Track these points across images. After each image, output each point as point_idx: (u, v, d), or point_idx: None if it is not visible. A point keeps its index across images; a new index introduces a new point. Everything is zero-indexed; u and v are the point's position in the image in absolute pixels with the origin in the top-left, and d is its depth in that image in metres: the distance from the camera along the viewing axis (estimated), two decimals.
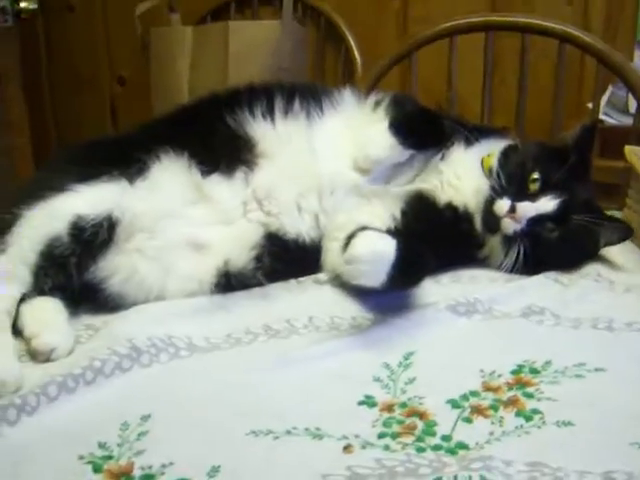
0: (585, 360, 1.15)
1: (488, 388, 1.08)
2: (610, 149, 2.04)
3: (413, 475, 0.89)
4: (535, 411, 1.02)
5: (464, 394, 1.06)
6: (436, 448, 0.95)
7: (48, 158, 3.36)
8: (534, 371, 1.13)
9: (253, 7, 3.48)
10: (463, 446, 0.95)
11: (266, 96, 1.53)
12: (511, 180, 1.48)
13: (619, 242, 1.54)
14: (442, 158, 1.56)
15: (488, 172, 1.52)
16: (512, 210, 1.44)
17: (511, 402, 1.05)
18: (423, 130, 1.54)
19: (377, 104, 1.58)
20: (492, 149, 1.57)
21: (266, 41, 3.12)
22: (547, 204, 1.45)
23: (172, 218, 1.42)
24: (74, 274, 1.33)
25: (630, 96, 2.46)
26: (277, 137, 1.50)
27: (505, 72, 2.81)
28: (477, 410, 1.03)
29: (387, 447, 0.95)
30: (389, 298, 1.33)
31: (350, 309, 1.34)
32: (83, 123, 3.88)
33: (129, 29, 3.49)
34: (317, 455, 0.94)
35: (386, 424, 1.00)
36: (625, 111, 2.73)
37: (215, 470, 0.90)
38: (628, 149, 1.69)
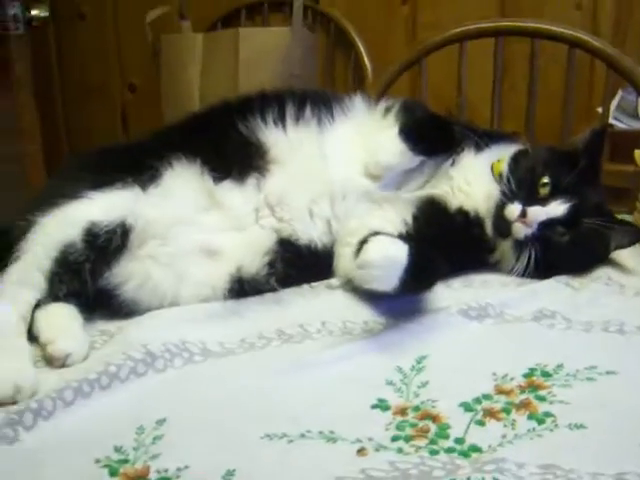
0: (596, 363, 1.15)
1: (500, 391, 1.09)
2: (620, 153, 2.05)
3: (427, 478, 0.90)
4: (547, 414, 1.03)
5: (477, 397, 1.07)
6: (449, 451, 0.95)
7: (59, 165, 3.37)
8: (546, 374, 1.13)
9: (263, 14, 3.49)
10: (476, 449, 0.95)
11: (277, 103, 1.54)
12: (521, 185, 1.49)
13: (630, 245, 1.55)
14: (452, 164, 1.57)
15: (498, 177, 1.53)
16: (523, 215, 1.45)
17: (523, 405, 1.05)
18: (433, 136, 1.54)
19: (387, 110, 1.59)
20: (502, 154, 1.58)
21: (276, 48, 3.13)
22: (557, 208, 1.46)
23: (185, 225, 1.42)
24: (88, 280, 1.33)
25: None
26: (289, 143, 1.51)
27: (515, 77, 2.81)
28: (490, 413, 1.03)
29: (400, 450, 0.95)
30: (401, 302, 1.33)
31: (362, 314, 1.35)
32: (94, 130, 3.89)
33: (140, 36, 3.50)
34: (331, 458, 0.94)
35: (399, 427, 1.01)
36: (635, 115, 2.74)
37: (230, 474, 0.91)
38: (638, 153, 1.70)
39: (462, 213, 1.53)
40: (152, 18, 3.41)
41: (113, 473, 0.92)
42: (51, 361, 1.19)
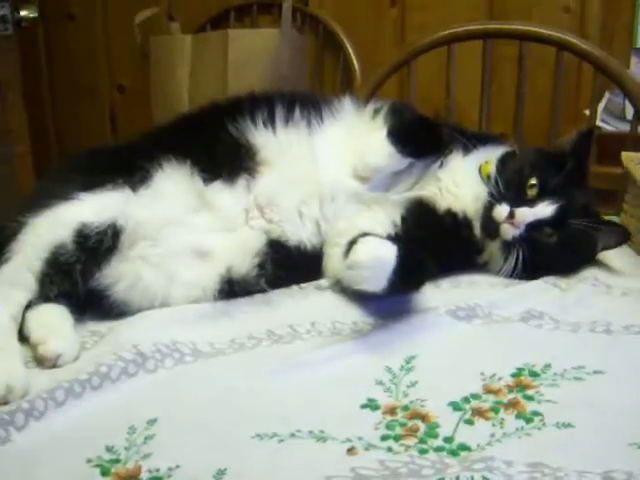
0: (584, 363, 1.16)
1: (489, 391, 1.10)
2: (607, 155, 2.05)
3: (416, 476, 0.90)
4: (535, 413, 1.04)
5: (465, 397, 1.08)
6: (438, 450, 0.96)
7: (49, 166, 3.37)
8: (534, 374, 1.14)
9: (252, 15, 3.49)
10: (465, 447, 0.96)
11: (267, 105, 1.55)
12: (509, 186, 1.50)
13: (617, 246, 1.56)
14: (441, 166, 1.57)
15: (486, 179, 1.54)
16: (511, 216, 1.46)
17: (511, 404, 1.06)
18: (421, 138, 1.55)
19: (376, 112, 1.60)
20: (490, 156, 1.59)
21: (265, 49, 3.14)
22: (545, 209, 1.47)
23: (175, 226, 1.43)
24: (79, 281, 1.33)
25: (627, 103, 2.47)
26: (278, 145, 1.51)
27: (503, 79, 2.82)
28: (478, 412, 1.04)
29: (390, 449, 0.96)
30: (390, 303, 1.34)
31: (352, 314, 1.35)
32: (83, 131, 3.90)
33: (129, 37, 3.50)
34: (321, 457, 0.95)
35: (389, 427, 1.01)
36: (622, 118, 2.75)
37: (221, 473, 0.91)
38: (625, 155, 1.70)
39: (450, 214, 1.54)
40: (141, 19, 3.41)
41: (105, 473, 0.93)
42: (42, 362, 1.19)
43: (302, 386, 1.13)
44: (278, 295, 1.44)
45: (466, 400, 1.07)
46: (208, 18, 3.54)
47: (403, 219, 1.51)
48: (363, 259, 1.24)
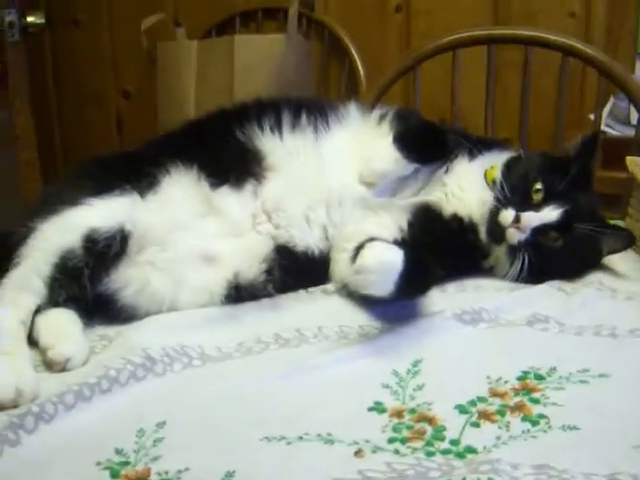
0: (589, 366, 1.17)
1: (495, 394, 1.10)
2: (612, 160, 2.06)
3: (423, 478, 0.91)
4: (541, 416, 1.04)
5: (472, 400, 1.08)
6: (445, 452, 0.97)
7: (55, 172, 3.39)
8: (539, 377, 1.15)
9: (258, 21, 3.51)
10: (471, 450, 0.97)
11: (274, 111, 1.56)
12: (515, 191, 1.51)
13: (622, 250, 1.57)
14: (446, 171, 1.58)
15: (492, 183, 1.54)
16: (516, 220, 1.47)
17: (517, 407, 1.07)
18: (427, 144, 1.56)
19: (382, 118, 1.60)
20: (495, 161, 1.59)
21: (271, 55, 3.15)
22: (550, 214, 1.48)
23: (183, 231, 1.43)
24: (88, 286, 1.34)
25: (632, 107, 2.48)
26: (285, 151, 1.52)
27: (507, 84, 2.83)
28: (484, 415, 1.05)
29: (397, 451, 0.97)
30: (396, 307, 1.35)
31: (358, 318, 1.36)
32: (89, 137, 3.91)
33: (134, 43, 3.52)
34: (329, 460, 0.96)
35: (396, 429, 1.02)
36: (627, 122, 2.75)
37: (230, 475, 0.92)
38: (630, 160, 1.70)
39: (456, 219, 1.55)
40: (147, 25, 3.43)
41: (114, 475, 0.93)
42: (51, 365, 1.20)
43: (309, 389, 1.13)
44: (285, 299, 1.44)
45: (472, 403, 1.08)
46: (214, 24, 3.54)
47: (409, 224, 1.52)
48: (370, 264, 1.24)
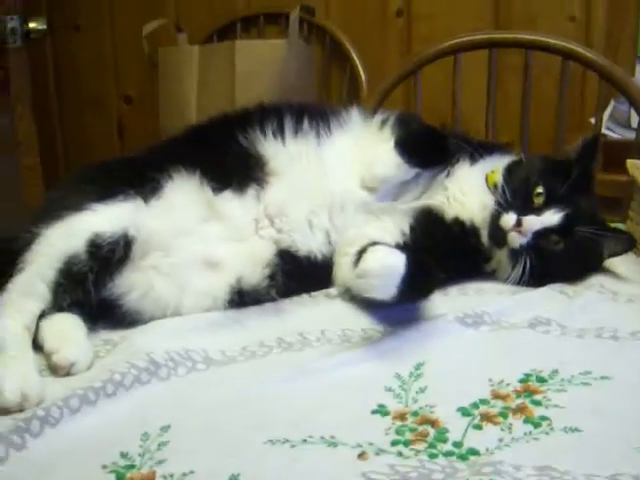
0: (591, 368, 1.17)
1: (497, 396, 1.11)
2: (613, 163, 2.07)
3: None
4: (543, 418, 1.05)
5: (474, 402, 1.09)
6: (448, 454, 0.97)
7: (56, 177, 3.40)
8: (541, 379, 1.15)
9: (259, 26, 3.51)
10: (474, 452, 0.97)
11: (276, 116, 1.56)
12: (516, 194, 1.52)
13: (623, 253, 1.58)
14: (448, 175, 1.59)
15: (493, 187, 1.55)
16: (518, 224, 1.47)
17: (519, 409, 1.07)
18: (428, 149, 1.56)
19: (383, 123, 1.61)
20: (496, 165, 1.60)
21: (272, 60, 3.16)
22: (552, 217, 1.49)
23: (186, 236, 1.44)
24: (92, 291, 1.35)
25: (632, 111, 2.49)
26: (288, 155, 1.53)
27: (508, 88, 2.84)
28: (487, 417, 1.05)
29: (400, 454, 0.97)
30: (398, 311, 1.35)
31: (361, 322, 1.37)
32: (90, 142, 3.92)
33: (135, 48, 3.53)
34: (333, 462, 0.96)
35: (399, 432, 1.02)
36: (627, 125, 2.75)
37: (234, 478, 0.92)
38: (630, 162, 1.71)
39: (458, 223, 1.55)
40: (148, 31, 3.44)
41: (120, 478, 0.94)
42: (56, 370, 1.21)
43: (313, 393, 1.14)
44: (288, 303, 1.45)
45: (475, 405, 1.08)
46: (215, 29, 3.55)
47: (411, 228, 1.52)
48: (373, 267, 1.25)
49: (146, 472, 0.95)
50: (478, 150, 1.60)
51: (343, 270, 1.46)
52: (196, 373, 1.21)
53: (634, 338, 1.29)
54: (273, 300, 1.44)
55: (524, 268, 1.48)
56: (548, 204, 1.50)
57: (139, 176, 1.47)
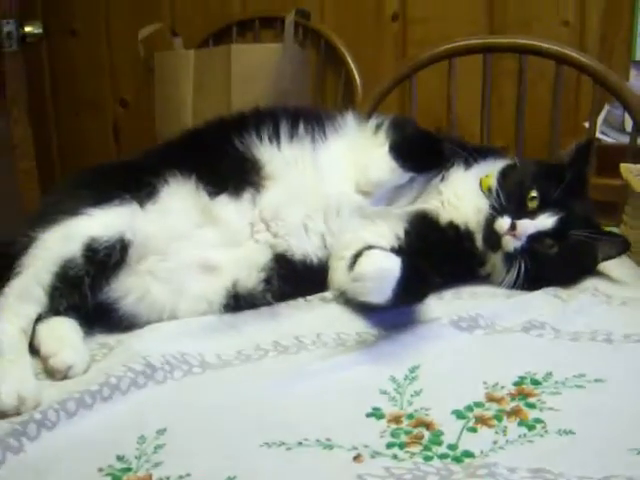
0: (585, 371, 1.18)
1: (491, 399, 1.12)
2: (607, 167, 2.07)
3: None
4: (537, 420, 1.05)
5: (468, 405, 1.10)
6: (443, 457, 0.98)
7: (52, 181, 3.40)
8: (535, 382, 1.16)
9: (254, 30, 3.52)
10: (469, 454, 0.98)
11: (272, 120, 1.57)
12: (510, 198, 1.52)
13: (617, 256, 1.58)
14: (442, 179, 1.59)
15: (487, 191, 1.55)
16: (512, 228, 1.48)
17: (514, 412, 1.08)
18: (422, 153, 1.57)
19: (378, 127, 1.61)
20: (491, 169, 1.60)
21: (268, 64, 3.17)
22: (546, 221, 1.49)
23: (182, 240, 1.44)
24: (88, 294, 1.35)
25: (626, 115, 2.49)
26: (283, 160, 1.53)
27: (503, 93, 2.84)
28: (481, 420, 1.06)
29: (395, 456, 0.98)
30: (393, 314, 1.36)
31: (356, 325, 1.37)
32: (86, 145, 3.92)
33: (131, 52, 3.54)
34: (328, 465, 0.97)
35: (394, 434, 1.03)
36: (622, 130, 2.75)
37: None
38: (624, 166, 1.71)
39: (453, 227, 1.56)
40: (144, 35, 3.44)
41: None
42: (53, 373, 1.21)
43: (308, 396, 1.14)
44: (284, 307, 1.45)
45: (469, 408, 1.09)
46: (211, 33, 3.56)
47: (406, 232, 1.53)
48: (368, 271, 1.26)
49: (142, 475, 0.95)
50: (472, 154, 1.61)
51: (338, 274, 1.47)
52: (192, 376, 1.22)
53: (628, 341, 1.30)
54: (269, 304, 1.44)
55: (518, 272, 1.49)
56: (542, 208, 1.50)
57: (135, 180, 1.47)
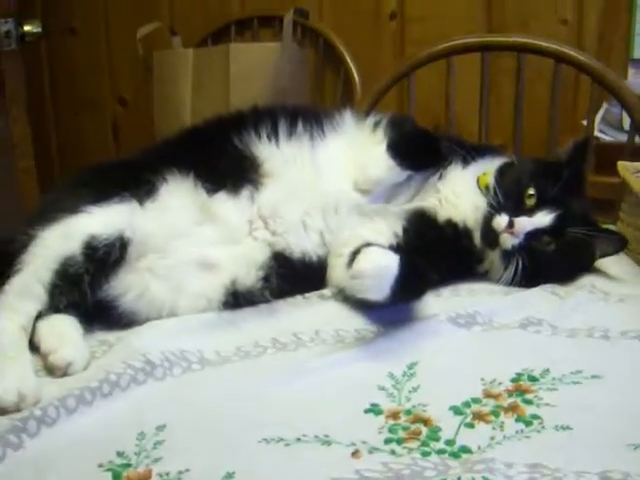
0: (582, 367, 1.18)
1: (489, 395, 1.12)
2: (605, 165, 2.07)
3: (419, 478, 0.93)
4: (534, 416, 1.06)
5: (466, 401, 1.10)
6: (440, 452, 0.98)
7: (51, 180, 3.40)
8: (533, 379, 1.16)
9: (253, 29, 3.52)
10: (466, 450, 0.98)
11: (270, 118, 1.57)
12: (508, 196, 1.52)
13: (615, 253, 1.59)
14: (440, 177, 1.60)
15: (485, 189, 1.56)
16: (510, 225, 1.48)
17: (511, 408, 1.08)
18: (420, 151, 1.57)
19: (376, 125, 1.62)
20: (488, 167, 1.60)
21: (266, 63, 3.17)
22: (543, 218, 1.49)
23: (181, 238, 1.45)
24: (88, 292, 1.35)
25: (624, 113, 2.50)
26: (282, 158, 1.53)
27: (501, 91, 2.85)
28: (479, 416, 1.06)
29: (393, 452, 0.99)
30: (391, 311, 1.36)
31: (354, 322, 1.37)
32: (85, 144, 3.92)
33: (130, 51, 3.54)
34: (327, 461, 0.97)
35: (392, 430, 1.04)
36: (620, 128, 2.75)
37: (229, 476, 0.94)
38: (621, 164, 1.71)
39: (451, 225, 1.56)
40: (143, 34, 3.44)
41: (116, 477, 0.95)
42: (53, 370, 1.21)
43: (307, 392, 1.15)
44: (282, 305, 1.45)
45: (467, 404, 1.10)
46: (209, 32, 3.56)
47: (404, 230, 1.53)
48: (366, 268, 1.26)
49: (142, 470, 0.96)
50: (470, 152, 1.61)
51: (337, 271, 1.47)
52: (191, 373, 1.22)
53: (625, 337, 1.30)
54: (267, 301, 1.44)
55: (516, 269, 1.49)
56: (540, 205, 1.51)
57: (134, 178, 1.47)
